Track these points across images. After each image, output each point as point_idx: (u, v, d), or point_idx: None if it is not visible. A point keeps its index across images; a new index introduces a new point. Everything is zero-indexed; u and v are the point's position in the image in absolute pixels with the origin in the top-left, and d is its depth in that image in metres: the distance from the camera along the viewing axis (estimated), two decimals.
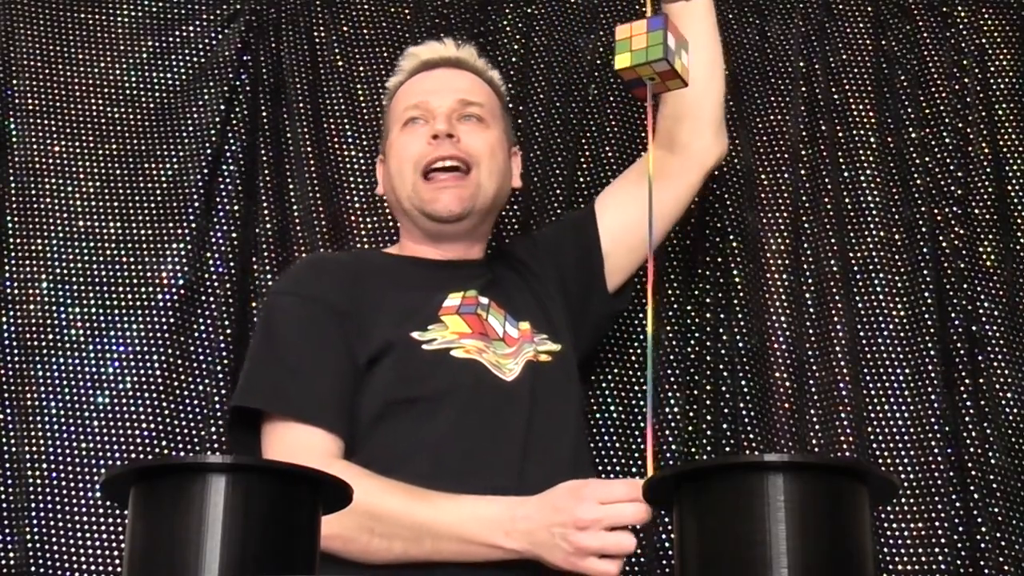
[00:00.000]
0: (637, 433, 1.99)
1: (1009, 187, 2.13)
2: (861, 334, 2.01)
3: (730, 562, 0.79)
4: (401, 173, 1.79)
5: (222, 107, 2.12)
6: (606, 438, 1.99)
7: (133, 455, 1.89)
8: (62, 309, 1.97)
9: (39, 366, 1.94)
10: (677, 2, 1.79)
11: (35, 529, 1.84)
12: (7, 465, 1.88)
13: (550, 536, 1.48)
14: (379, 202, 2.07)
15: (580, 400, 1.79)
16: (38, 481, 1.87)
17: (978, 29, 2.22)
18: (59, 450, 1.89)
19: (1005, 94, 2.18)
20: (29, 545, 1.83)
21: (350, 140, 2.14)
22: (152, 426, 1.91)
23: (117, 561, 1.84)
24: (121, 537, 1.84)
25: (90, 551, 1.84)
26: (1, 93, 2.10)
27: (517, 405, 1.65)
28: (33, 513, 1.85)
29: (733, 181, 2.12)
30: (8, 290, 1.98)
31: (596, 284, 1.86)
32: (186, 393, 1.94)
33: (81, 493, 1.87)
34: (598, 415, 2.00)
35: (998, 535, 1.88)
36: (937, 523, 1.88)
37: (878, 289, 2.04)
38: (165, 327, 1.97)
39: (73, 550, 1.84)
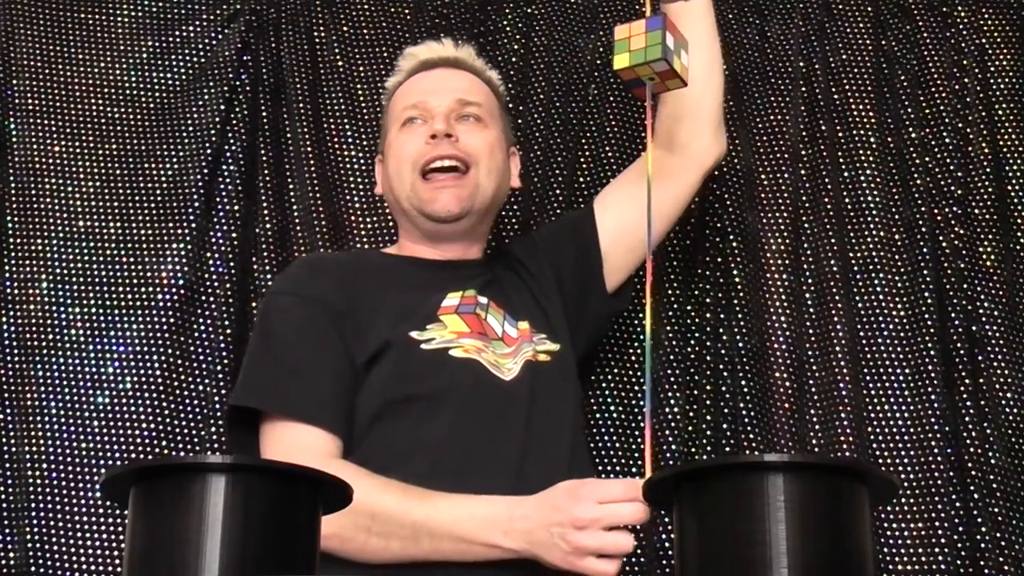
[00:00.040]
0: (637, 433, 1.99)
1: (1009, 187, 2.13)
2: (861, 334, 2.01)
3: (730, 562, 0.79)
4: (400, 173, 1.79)
5: (222, 107, 2.12)
6: (606, 438, 1.99)
7: (133, 455, 1.89)
8: (62, 309, 1.97)
9: (39, 366, 1.94)
10: (676, 2, 1.79)
11: (35, 529, 1.84)
12: (7, 465, 1.88)
13: (548, 535, 1.47)
14: (379, 202, 2.07)
15: (579, 400, 1.79)
16: (38, 481, 1.87)
17: (978, 29, 2.22)
18: (59, 450, 1.89)
19: (1005, 94, 2.18)
20: (29, 545, 1.83)
21: (350, 140, 2.14)
22: (152, 426, 1.91)
23: (117, 561, 1.84)
24: (121, 537, 1.84)
25: (90, 551, 1.84)
26: (1, 93, 2.10)
27: (516, 405, 1.64)
28: (33, 513, 1.85)
29: (733, 181, 2.12)
30: (8, 290, 1.98)
31: (595, 284, 1.86)
32: (186, 393, 1.94)
33: (81, 493, 1.87)
34: (598, 415, 2.00)
35: (998, 535, 1.88)
36: (937, 523, 1.88)
37: (878, 289, 2.04)
38: (165, 327, 1.97)
39: (73, 550, 1.84)
